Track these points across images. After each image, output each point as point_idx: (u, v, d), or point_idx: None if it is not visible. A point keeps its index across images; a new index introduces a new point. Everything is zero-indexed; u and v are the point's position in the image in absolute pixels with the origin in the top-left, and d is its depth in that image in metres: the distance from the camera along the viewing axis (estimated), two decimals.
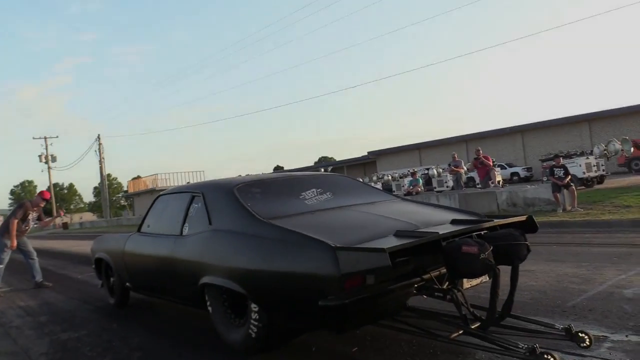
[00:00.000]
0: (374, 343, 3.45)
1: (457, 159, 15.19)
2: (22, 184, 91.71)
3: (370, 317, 3.03)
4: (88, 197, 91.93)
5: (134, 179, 60.51)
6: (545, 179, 23.58)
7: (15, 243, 7.41)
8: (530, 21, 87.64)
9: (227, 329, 3.53)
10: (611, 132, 27.47)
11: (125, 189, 78.56)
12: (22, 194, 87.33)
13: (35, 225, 8.50)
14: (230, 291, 3.41)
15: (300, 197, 3.85)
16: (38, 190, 8.13)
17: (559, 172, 11.62)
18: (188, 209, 4.16)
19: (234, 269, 3.29)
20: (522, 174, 30.10)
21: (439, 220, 3.45)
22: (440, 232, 2.87)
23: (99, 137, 43.57)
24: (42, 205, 7.84)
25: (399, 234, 2.94)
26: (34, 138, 50.37)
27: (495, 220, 3.25)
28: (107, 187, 49.42)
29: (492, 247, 2.69)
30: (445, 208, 4.14)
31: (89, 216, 76.56)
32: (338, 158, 66.80)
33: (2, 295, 7.23)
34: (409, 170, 30.73)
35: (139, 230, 4.99)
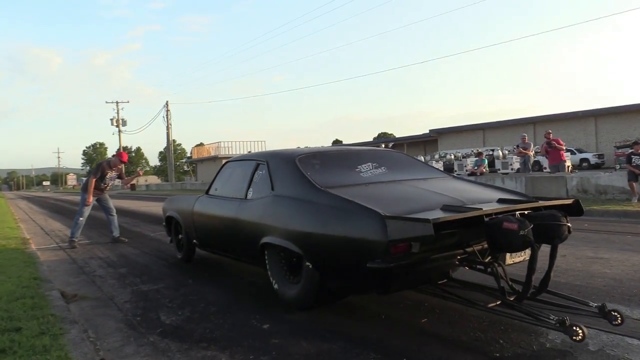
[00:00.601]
0: (442, 316, 3.50)
1: (526, 141, 14.64)
2: (93, 145, 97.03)
3: (413, 281, 3.35)
4: (154, 161, 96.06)
5: (197, 145, 62.64)
6: (617, 166, 22.51)
7: (91, 199, 7.96)
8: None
9: (282, 286, 3.90)
10: None
11: (188, 154, 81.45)
12: (94, 155, 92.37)
13: (118, 184, 9.06)
14: (287, 251, 3.76)
15: (357, 169, 4.12)
16: (110, 153, 8.69)
17: (638, 160, 11.03)
18: (253, 175, 4.53)
19: (293, 231, 3.65)
20: (593, 160, 28.73)
21: (485, 198, 3.62)
22: (484, 209, 3.03)
23: (167, 104, 45.16)
24: (120, 167, 8.32)
25: (445, 208, 3.17)
26: (106, 102, 53.18)
27: (540, 202, 3.42)
28: (172, 152, 51.33)
29: (532, 225, 2.83)
30: (494, 188, 4.30)
31: (153, 179, 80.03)
32: (398, 135, 66.09)
33: (77, 246, 7.81)
34: (472, 150, 30.08)
35: (207, 192, 5.43)
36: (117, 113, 51.62)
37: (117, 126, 51.02)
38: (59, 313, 3.63)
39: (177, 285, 4.89)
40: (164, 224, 6.71)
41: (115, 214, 8.47)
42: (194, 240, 5.59)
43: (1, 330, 3.16)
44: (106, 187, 8.27)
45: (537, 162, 22.82)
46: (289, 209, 3.83)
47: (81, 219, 8.03)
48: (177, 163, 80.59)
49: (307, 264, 3.51)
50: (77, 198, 9.00)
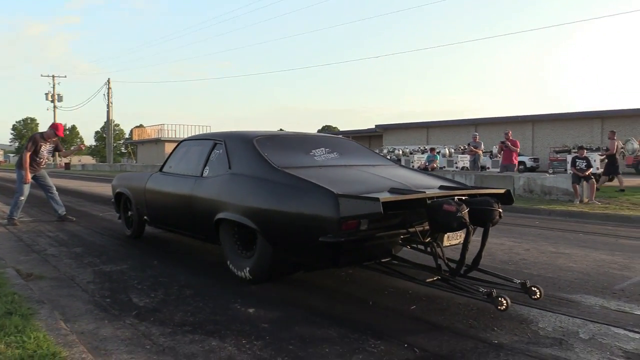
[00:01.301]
0: (431, 304, 3.47)
1: (477, 140, 15.06)
2: (24, 120, 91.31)
3: (360, 257, 3.61)
4: (89, 140, 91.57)
5: (136, 127, 60.32)
6: (551, 171, 23.68)
7: (29, 176, 7.37)
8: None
9: (236, 261, 4.06)
10: (624, 131, 27.33)
11: (127, 136, 78.36)
12: (24, 131, 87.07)
13: (50, 162, 8.33)
14: (242, 226, 3.95)
15: (310, 153, 4.34)
16: (42, 129, 7.90)
17: (581, 164, 11.57)
18: (210, 154, 4.63)
19: (249, 207, 3.81)
20: (529, 163, 30.00)
21: (428, 184, 3.92)
22: (427, 192, 3.38)
23: (108, 81, 43.12)
24: (56, 140, 7.71)
25: (392, 190, 3.44)
26: (42, 75, 49.96)
27: (475, 190, 3.81)
28: (112, 131, 49.17)
29: (468, 209, 3.15)
30: (435, 176, 4.56)
31: (88, 159, 76.55)
32: (342, 128, 66.47)
33: (17, 224, 7.26)
34: (420, 147, 30.75)
35: (160, 170, 5.48)
36: (53, 87, 48.88)
37: (53, 101, 48.29)
38: (22, 292, 3.31)
39: (142, 267, 4.62)
40: (112, 200, 6.60)
41: (55, 192, 7.91)
42: (145, 217, 5.62)
43: None
44: (42, 161, 7.68)
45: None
46: (245, 187, 3.98)
47: (22, 198, 7.44)
48: (114, 144, 77.38)
49: (261, 239, 3.71)
50: (6, 175, 8.29)
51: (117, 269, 4.54)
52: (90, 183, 19.68)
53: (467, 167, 21.44)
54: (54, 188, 7.93)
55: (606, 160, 13.74)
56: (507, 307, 2.95)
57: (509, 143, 13.48)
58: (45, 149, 7.58)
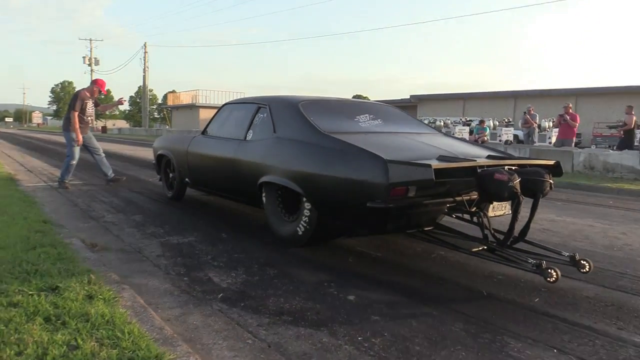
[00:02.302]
0: (454, 265, 2.98)
1: (532, 112, 14.15)
2: (62, 83, 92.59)
3: (407, 223, 3.52)
4: (123, 105, 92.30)
5: (169, 92, 60.32)
6: (593, 146, 22.43)
7: (80, 138, 7.02)
8: None
9: (279, 224, 4.08)
10: None
11: (159, 101, 78.71)
12: (62, 94, 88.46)
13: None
14: (286, 190, 3.96)
15: (355, 119, 4.28)
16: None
17: None
18: (253, 118, 4.59)
19: (295, 171, 3.78)
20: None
21: (476, 154, 3.81)
22: (477, 161, 3.32)
23: (144, 46, 43.00)
24: (97, 96, 7.34)
25: (441, 158, 3.36)
26: (79, 39, 50.65)
27: (525, 160, 3.79)
28: (147, 96, 49.29)
29: (520, 179, 3.04)
30: (482, 146, 4.50)
31: (122, 124, 77.28)
32: (373, 98, 65.22)
33: (69, 187, 6.98)
34: (460, 119, 29.65)
35: (202, 133, 5.44)
36: (90, 51, 49.15)
37: (90, 65, 48.55)
38: (96, 269, 2.95)
39: (211, 239, 4.23)
40: (154, 162, 6.61)
41: (102, 154, 7.58)
42: (186, 179, 5.61)
43: (36, 290, 2.47)
44: (90, 120, 7.33)
45: (515, 137, 22.43)
46: (291, 151, 3.94)
47: (73, 162, 7.12)
48: (147, 111, 77.92)
49: (306, 203, 3.67)
50: (47, 137, 7.96)
51: (185, 241, 4.17)
52: (131, 147, 19.60)
53: (510, 141, 20.41)
54: (101, 149, 7.61)
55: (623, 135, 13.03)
56: (557, 279, 2.84)
57: (568, 117, 12.63)
58: (90, 106, 7.24)
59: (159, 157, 6.36)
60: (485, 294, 3.02)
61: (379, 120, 4.40)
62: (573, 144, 13.08)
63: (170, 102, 53.25)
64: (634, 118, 13.00)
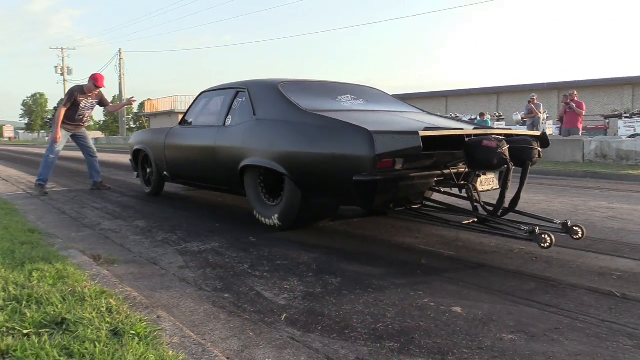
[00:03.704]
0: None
1: (536, 102, 13.56)
2: (34, 96, 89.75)
3: (394, 197, 3.37)
4: (97, 116, 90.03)
5: (146, 100, 58.88)
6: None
7: (59, 133, 6.25)
8: None
9: (262, 209, 3.99)
10: None
11: (135, 111, 76.79)
12: (34, 107, 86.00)
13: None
14: (268, 172, 3.88)
15: (337, 99, 4.19)
16: (52, 105, 6.52)
17: None
18: (232, 103, 4.46)
19: (277, 152, 3.67)
20: (556, 132, 28.45)
21: (462, 126, 3.71)
22: (465, 130, 3.29)
23: (120, 52, 41.65)
24: (97, 92, 6.49)
25: (428, 128, 3.17)
26: (50, 48, 48.77)
27: (511, 131, 3.71)
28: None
29: (508, 146, 2.97)
30: (469, 123, 4.49)
31: (97, 134, 75.09)
32: None
33: (47, 193, 6.24)
34: (450, 115, 29.24)
35: (180, 124, 5.30)
36: (63, 60, 47.52)
37: (63, 74, 46.95)
38: (114, 290, 2.15)
39: (238, 244, 3.47)
40: (130, 158, 6.37)
41: (96, 155, 6.80)
42: (165, 173, 5.47)
43: (33, 326, 1.66)
44: (83, 119, 6.54)
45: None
46: (272, 131, 3.84)
47: (51, 156, 6.33)
48: (123, 119, 76.06)
49: (289, 183, 3.61)
50: (20, 149, 7.08)
51: (208, 247, 3.40)
52: (112, 154, 18.58)
53: None
54: (95, 150, 6.84)
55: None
56: (551, 244, 2.69)
57: (574, 105, 12.10)
58: (87, 104, 6.42)
59: (136, 153, 6.14)
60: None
61: (361, 100, 4.34)
62: (580, 133, 12.55)
63: (147, 110, 51.90)
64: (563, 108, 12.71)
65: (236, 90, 4.51)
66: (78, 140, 6.70)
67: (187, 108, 5.40)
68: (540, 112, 13.48)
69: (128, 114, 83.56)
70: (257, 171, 3.99)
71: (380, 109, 4.26)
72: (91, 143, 6.86)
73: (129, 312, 1.83)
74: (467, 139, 3.06)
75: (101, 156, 16.84)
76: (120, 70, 41.56)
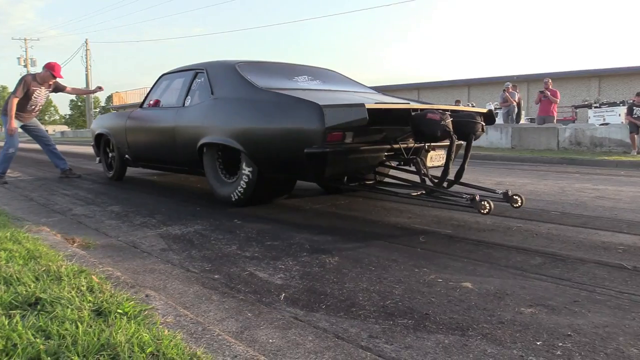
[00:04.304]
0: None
1: (511, 90, 13.59)
2: None
3: (345, 170, 3.47)
4: (63, 109, 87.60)
5: (114, 93, 57.50)
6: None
7: (13, 124, 5.76)
8: None
9: (220, 186, 4.07)
10: (620, 90, 26.23)
11: (102, 104, 74.91)
12: None
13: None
14: (226, 150, 3.98)
15: (293, 79, 4.28)
16: None
17: (639, 112, 10.44)
18: (191, 84, 4.55)
19: (233, 129, 3.77)
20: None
21: (408, 102, 3.75)
22: (411, 104, 3.42)
23: (86, 42, 40.41)
24: (53, 82, 6.05)
25: (376, 103, 3.22)
26: (13, 39, 47.09)
27: (458, 108, 3.69)
28: (92, 97, 46.52)
29: (451, 119, 3.10)
30: (420, 102, 4.58)
31: (63, 129, 73.08)
32: None
33: (7, 182, 5.85)
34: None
35: (140, 107, 5.30)
36: (26, 51, 45.84)
37: (26, 66, 45.32)
38: (90, 269, 1.93)
39: (223, 226, 3.27)
40: (92, 143, 6.34)
41: (53, 143, 6.40)
42: (126, 156, 5.47)
43: (2, 308, 1.44)
44: (35, 109, 6.06)
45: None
46: (228, 109, 3.92)
47: (11, 149, 5.87)
48: (91, 112, 74.07)
49: (245, 159, 3.71)
50: None
51: (190, 230, 3.19)
52: (79, 147, 18.03)
53: None
54: (50, 139, 6.43)
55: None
56: (489, 210, 2.81)
57: (549, 93, 12.18)
58: (40, 94, 5.98)
59: (98, 137, 6.12)
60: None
61: (318, 81, 4.44)
62: (555, 121, 12.66)
63: (116, 103, 50.66)
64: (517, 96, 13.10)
65: (195, 71, 4.59)
66: (30, 132, 6.26)
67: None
68: (514, 101, 13.54)
69: (95, 108, 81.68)
70: (215, 149, 4.06)
71: (336, 88, 4.36)
72: (44, 131, 6.45)
73: (113, 291, 1.62)
74: (413, 113, 3.18)
75: (69, 148, 16.41)
76: (87, 62, 40.33)
